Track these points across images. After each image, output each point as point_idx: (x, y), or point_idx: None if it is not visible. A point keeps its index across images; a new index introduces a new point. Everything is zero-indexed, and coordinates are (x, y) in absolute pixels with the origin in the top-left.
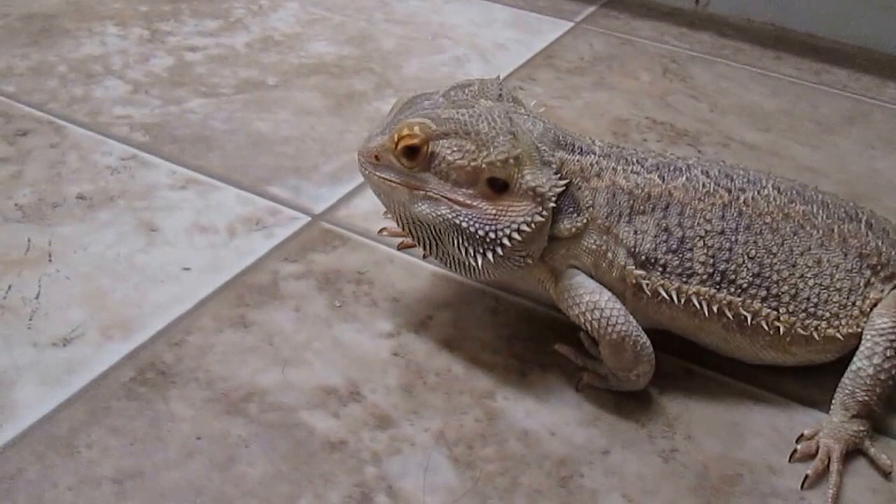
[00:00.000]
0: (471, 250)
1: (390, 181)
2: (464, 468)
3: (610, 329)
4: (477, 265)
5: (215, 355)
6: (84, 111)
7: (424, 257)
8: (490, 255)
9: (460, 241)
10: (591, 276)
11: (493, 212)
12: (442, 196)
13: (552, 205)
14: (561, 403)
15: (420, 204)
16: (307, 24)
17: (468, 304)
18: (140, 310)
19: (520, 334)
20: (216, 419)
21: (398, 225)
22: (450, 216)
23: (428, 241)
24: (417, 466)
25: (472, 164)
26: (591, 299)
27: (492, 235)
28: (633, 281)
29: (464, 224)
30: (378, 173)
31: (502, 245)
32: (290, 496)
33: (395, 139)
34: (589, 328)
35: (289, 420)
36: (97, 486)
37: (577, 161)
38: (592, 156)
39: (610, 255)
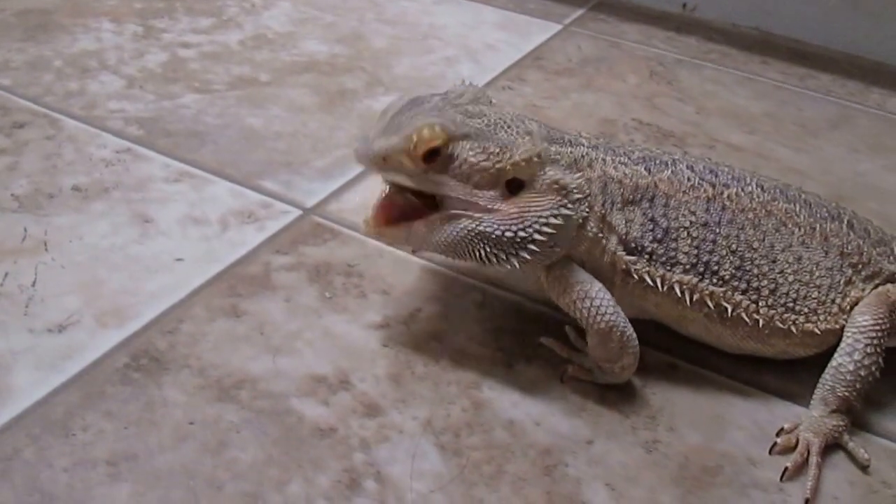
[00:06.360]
0: (501, 255)
1: (404, 224)
2: (451, 456)
3: (599, 318)
4: (514, 267)
5: (208, 343)
6: (79, 105)
7: (414, 252)
8: (525, 253)
9: (489, 250)
10: (583, 264)
11: (516, 211)
12: (459, 199)
13: (578, 196)
14: (546, 394)
15: (439, 232)
16: (299, 23)
17: (456, 297)
18: (134, 298)
19: (506, 327)
20: (208, 405)
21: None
22: (473, 226)
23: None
24: (405, 453)
25: (497, 165)
26: (582, 288)
27: (522, 234)
28: (623, 266)
29: (488, 230)
30: (385, 175)
31: (534, 241)
32: (280, 480)
33: (414, 140)
34: (578, 316)
35: (279, 407)
36: (92, 467)
37: (570, 153)
38: (582, 147)
39: (604, 241)
